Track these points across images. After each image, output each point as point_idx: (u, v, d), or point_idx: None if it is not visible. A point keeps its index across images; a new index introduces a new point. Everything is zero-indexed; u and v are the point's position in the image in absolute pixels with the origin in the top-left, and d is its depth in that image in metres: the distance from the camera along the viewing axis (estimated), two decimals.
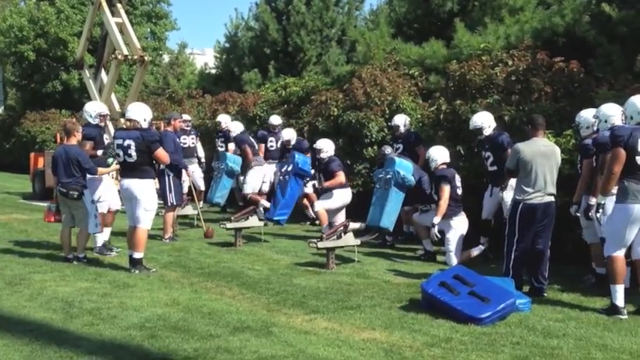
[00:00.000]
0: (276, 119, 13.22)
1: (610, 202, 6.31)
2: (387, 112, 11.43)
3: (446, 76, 11.00)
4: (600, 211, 6.40)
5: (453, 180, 8.57)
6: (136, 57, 15.76)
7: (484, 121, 8.66)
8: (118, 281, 7.35)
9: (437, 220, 8.33)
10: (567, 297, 6.88)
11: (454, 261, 8.37)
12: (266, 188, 12.24)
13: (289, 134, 12.53)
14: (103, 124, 9.43)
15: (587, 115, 7.37)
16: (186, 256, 9.06)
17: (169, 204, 10.27)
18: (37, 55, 28.53)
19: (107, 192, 9.12)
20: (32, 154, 18.42)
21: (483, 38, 11.67)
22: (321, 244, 8.23)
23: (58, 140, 18.85)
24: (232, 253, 9.41)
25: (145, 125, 8.01)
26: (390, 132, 11.16)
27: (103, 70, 17.60)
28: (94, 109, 9.33)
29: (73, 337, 5.32)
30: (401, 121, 10.61)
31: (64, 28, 27.85)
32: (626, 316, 6.04)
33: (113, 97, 17.11)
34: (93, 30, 19.13)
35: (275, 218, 10.99)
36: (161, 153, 8.05)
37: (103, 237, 9.03)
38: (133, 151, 7.84)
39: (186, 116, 13.70)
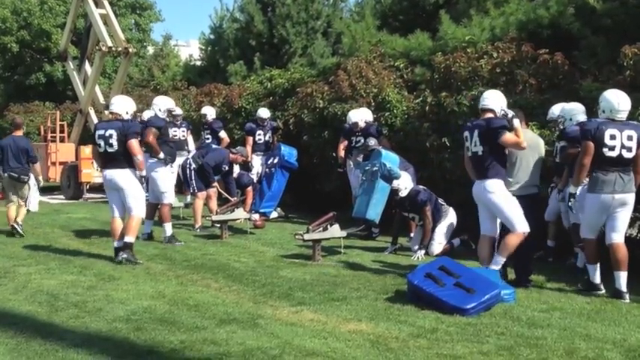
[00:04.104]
0: (264, 112, 13.16)
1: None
2: (373, 104, 11.41)
3: (431, 68, 10.99)
4: (572, 200, 6.75)
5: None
6: (120, 49, 15.70)
7: (359, 116, 10.40)
8: (103, 274, 7.32)
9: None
10: (551, 287, 6.94)
11: (437, 250, 8.59)
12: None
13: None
14: (169, 118, 10.13)
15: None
16: (172, 248, 9.04)
17: (191, 191, 10.97)
18: (21, 47, 28.32)
19: None
20: None
21: (468, 30, 11.67)
22: (307, 237, 8.23)
23: (42, 132, 18.82)
24: (218, 245, 9.40)
25: (127, 118, 8.17)
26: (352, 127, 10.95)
27: (87, 61, 17.54)
28: (163, 103, 9.70)
29: (58, 330, 5.30)
30: (359, 117, 10.61)
31: (48, 19, 27.65)
32: (603, 291, 6.53)
33: (97, 89, 17.04)
34: (77, 21, 19.03)
35: (261, 210, 11.00)
36: (134, 144, 8.01)
37: (170, 227, 9.50)
38: (114, 141, 7.96)
39: (177, 109, 13.80)
